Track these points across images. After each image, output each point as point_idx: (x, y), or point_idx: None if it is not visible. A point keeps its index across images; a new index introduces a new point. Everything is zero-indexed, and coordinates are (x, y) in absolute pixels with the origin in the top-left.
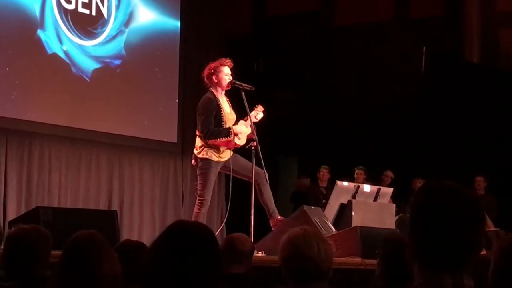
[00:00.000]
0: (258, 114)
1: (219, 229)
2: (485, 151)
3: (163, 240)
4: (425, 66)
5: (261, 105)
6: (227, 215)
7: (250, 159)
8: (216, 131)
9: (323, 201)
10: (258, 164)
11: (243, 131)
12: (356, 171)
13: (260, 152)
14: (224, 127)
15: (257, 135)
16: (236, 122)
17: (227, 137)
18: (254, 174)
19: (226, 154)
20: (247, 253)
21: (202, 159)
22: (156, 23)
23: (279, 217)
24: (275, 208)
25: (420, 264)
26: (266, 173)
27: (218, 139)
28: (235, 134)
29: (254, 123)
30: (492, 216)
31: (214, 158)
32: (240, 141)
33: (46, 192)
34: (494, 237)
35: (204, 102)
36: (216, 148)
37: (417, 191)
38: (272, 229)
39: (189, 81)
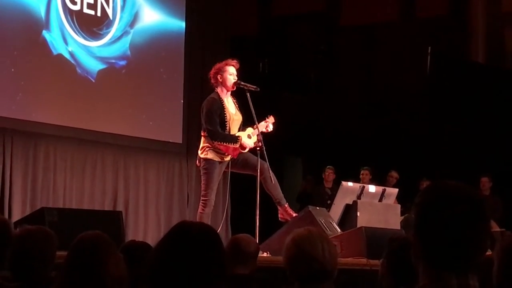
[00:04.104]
0: (268, 126)
1: (220, 227)
2: (490, 151)
3: (168, 241)
4: (430, 66)
5: (273, 116)
6: (225, 212)
7: None
8: (223, 134)
9: (328, 201)
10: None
11: (250, 143)
12: (362, 172)
13: (265, 154)
14: (227, 127)
15: (262, 134)
16: (244, 126)
17: (233, 144)
18: (258, 168)
19: (229, 155)
20: (252, 254)
21: (205, 159)
22: (161, 24)
23: (288, 208)
24: (282, 196)
25: (425, 264)
26: (271, 172)
27: (224, 143)
28: (241, 145)
29: (262, 132)
30: (497, 217)
31: (217, 158)
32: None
33: (51, 193)
34: (499, 237)
35: (208, 102)
36: (220, 149)
37: (423, 192)
38: (279, 217)
39: (194, 81)
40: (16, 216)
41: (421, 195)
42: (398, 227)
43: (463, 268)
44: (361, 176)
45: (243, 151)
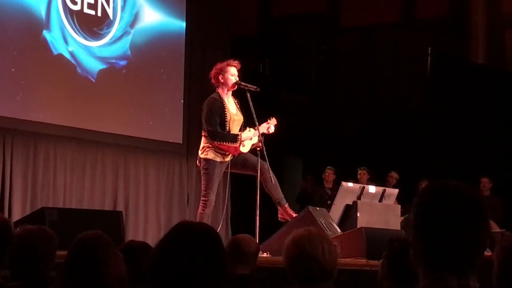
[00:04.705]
0: (270, 127)
1: (220, 227)
2: (490, 152)
3: (168, 241)
4: (430, 67)
5: (274, 117)
6: (225, 212)
7: None
8: (223, 134)
9: (328, 202)
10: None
11: (249, 138)
12: (359, 171)
13: (265, 154)
14: (227, 128)
15: (262, 135)
16: (245, 126)
17: (233, 143)
18: (258, 168)
19: (230, 155)
20: (252, 254)
21: (205, 159)
22: (161, 24)
23: (288, 208)
24: (282, 196)
25: (425, 265)
26: (271, 172)
27: (224, 143)
28: (241, 142)
29: (264, 134)
30: (498, 217)
31: (218, 158)
32: (244, 148)
33: (51, 193)
34: (499, 238)
35: (208, 101)
36: (220, 149)
37: (421, 192)
38: (279, 218)
39: (194, 81)
40: (16, 215)
41: (420, 196)
42: (398, 227)
43: (464, 268)
44: (359, 175)
45: (243, 151)
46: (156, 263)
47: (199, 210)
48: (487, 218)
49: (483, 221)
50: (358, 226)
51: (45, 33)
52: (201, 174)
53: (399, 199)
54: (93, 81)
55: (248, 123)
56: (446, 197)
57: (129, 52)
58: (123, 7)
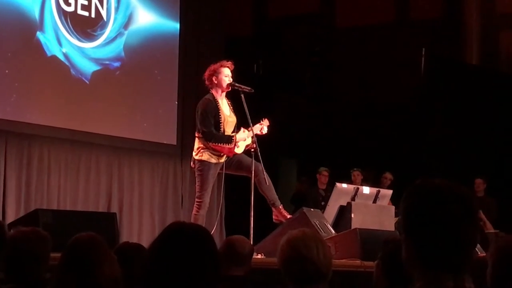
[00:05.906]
0: (263, 128)
1: (214, 229)
2: (485, 153)
3: (161, 242)
4: (424, 68)
5: (267, 118)
6: (219, 213)
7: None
8: (218, 135)
9: (323, 203)
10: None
11: (244, 140)
12: (353, 173)
13: (259, 155)
14: (221, 129)
15: (257, 136)
16: (238, 127)
17: (228, 144)
18: (253, 169)
19: (224, 156)
20: (247, 255)
21: (200, 161)
22: (155, 25)
23: (282, 209)
24: (277, 198)
25: (419, 266)
26: (265, 174)
27: (219, 144)
28: (236, 143)
29: (257, 135)
30: (492, 218)
31: (212, 160)
32: (238, 149)
33: (45, 194)
34: (494, 239)
35: (203, 102)
36: (215, 150)
37: (407, 193)
38: (274, 219)
39: (188, 83)
40: (10, 217)
41: (407, 197)
42: (392, 228)
43: (458, 266)
44: (352, 177)
45: (237, 152)
46: (149, 264)
47: (194, 212)
48: (476, 211)
49: (473, 215)
50: (353, 227)
51: (38, 34)
52: (196, 175)
53: (393, 200)
54: (87, 82)
55: (242, 124)
56: (433, 195)
57: (123, 54)
58: (116, 9)
